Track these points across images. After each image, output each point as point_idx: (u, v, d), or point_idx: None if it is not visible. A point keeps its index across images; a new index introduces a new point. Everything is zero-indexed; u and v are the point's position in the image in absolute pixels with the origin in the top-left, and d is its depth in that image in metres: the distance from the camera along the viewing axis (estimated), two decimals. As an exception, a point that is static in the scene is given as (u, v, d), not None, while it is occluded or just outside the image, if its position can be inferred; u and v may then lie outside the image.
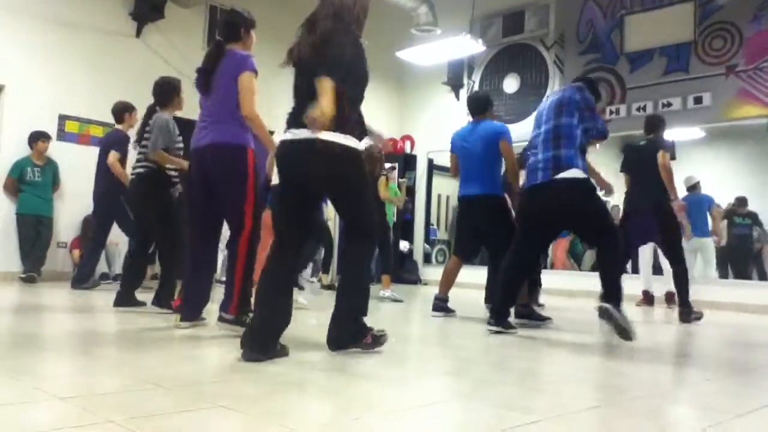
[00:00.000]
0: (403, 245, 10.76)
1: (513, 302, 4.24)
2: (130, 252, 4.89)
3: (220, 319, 3.39)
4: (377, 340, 2.91)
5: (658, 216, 5.45)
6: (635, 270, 7.75)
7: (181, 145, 4.54)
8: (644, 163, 5.54)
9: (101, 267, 7.04)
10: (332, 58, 2.76)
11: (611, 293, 3.76)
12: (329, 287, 7.66)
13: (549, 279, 7.52)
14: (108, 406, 1.81)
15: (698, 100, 8.45)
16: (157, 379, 2.20)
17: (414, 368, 2.77)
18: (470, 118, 5.26)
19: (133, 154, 5.01)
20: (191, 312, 3.60)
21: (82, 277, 6.28)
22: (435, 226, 12.05)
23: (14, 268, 7.04)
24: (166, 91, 4.55)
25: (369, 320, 2.98)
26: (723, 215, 9.34)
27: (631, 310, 4.32)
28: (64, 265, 7.54)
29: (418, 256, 11.33)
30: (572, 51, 9.76)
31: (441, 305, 5.12)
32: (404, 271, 10.64)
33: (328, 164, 2.78)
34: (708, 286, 7.82)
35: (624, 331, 3.65)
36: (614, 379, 2.80)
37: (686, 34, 8.66)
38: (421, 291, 8.96)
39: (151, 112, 4.61)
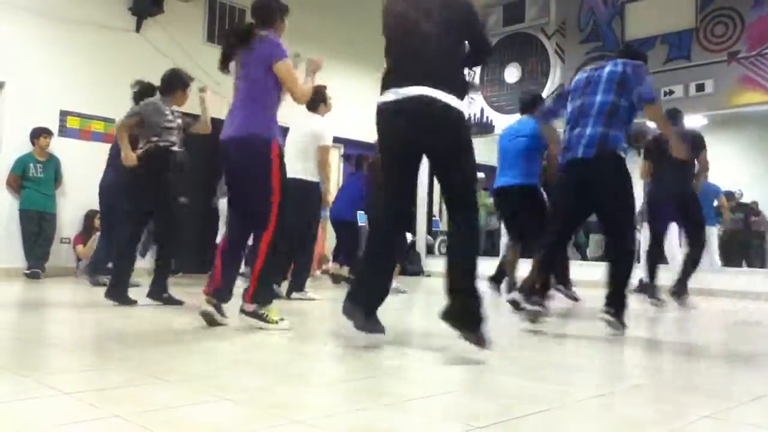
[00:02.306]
0: (407, 236, 10.77)
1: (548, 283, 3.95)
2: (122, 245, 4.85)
3: (241, 310, 3.35)
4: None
5: (681, 200, 5.50)
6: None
7: (172, 125, 4.53)
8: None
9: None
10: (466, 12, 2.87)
11: (616, 300, 3.64)
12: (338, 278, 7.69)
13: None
14: (113, 401, 1.81)
15: (700, 88, 8.40)
16: (163, 372, 2.21)
17: (417, 358, 2.78)
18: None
19: None
20: (220, 296, 3.44)
21: (96, 268, 6.24)
22: (437, 218, 12.03)
23: (18, 264, 7.06)
24: (169, 82, 4.62)
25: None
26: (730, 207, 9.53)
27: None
28: (67, 260, 7.55)
29: (421, 248, 11.32)
30: (573, 40, 9.71)
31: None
32: (407, 263, 10.66)
33: (441, 124, 2.71)
34: (713, 274, 7.82)
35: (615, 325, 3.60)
36: (618, 368, 2.80)
37: (688, 21, 8.61)
38: (423, 282, 8.97)
39: (145, 93, 4.68)
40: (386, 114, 2.82)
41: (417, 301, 5.85)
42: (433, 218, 11.75)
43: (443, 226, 12.14)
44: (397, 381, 2.31)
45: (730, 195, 9.56)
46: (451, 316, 2.68)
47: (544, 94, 9.78)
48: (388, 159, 2.91)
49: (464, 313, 2.66)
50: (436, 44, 2.78)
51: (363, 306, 2.81)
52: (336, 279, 7.57)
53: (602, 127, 3.65)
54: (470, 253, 2.76)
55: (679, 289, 5.53)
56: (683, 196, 5.53)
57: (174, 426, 1.57)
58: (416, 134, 2.75)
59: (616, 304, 3.63)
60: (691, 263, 5.59)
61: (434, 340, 3.46)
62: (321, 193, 5.38)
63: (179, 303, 4.46)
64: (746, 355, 3.27)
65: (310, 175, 5.19)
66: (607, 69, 3.82)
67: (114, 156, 6.21)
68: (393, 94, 2.77)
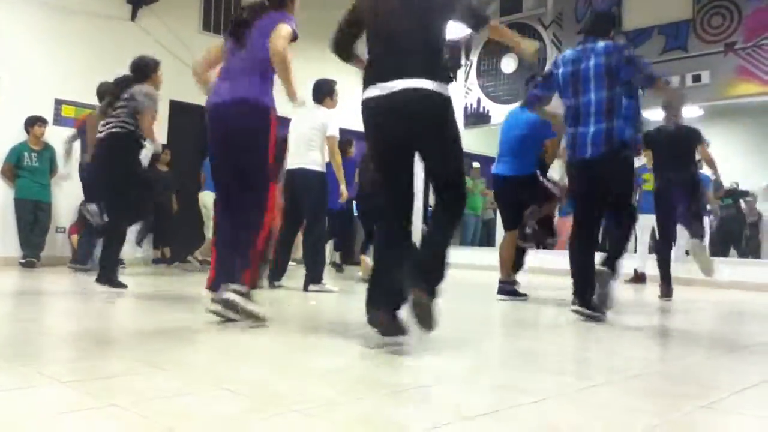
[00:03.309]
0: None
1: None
2: (104, 229, 4.88)
3: (234, 290, 3.12)
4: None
5: (686, 187, 5.56)
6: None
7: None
8: (676, 147, 5.67)
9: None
10: None
11: (612, 261, 3.81)
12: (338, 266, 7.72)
13: (552, 259, 7.56)
14: (111, 390, 1.82)
15: (697, 78, 8.41)
16: (161, 362, 2.21)
17: (414, 348, 2.78)
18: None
19: None
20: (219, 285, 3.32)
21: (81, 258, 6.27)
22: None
23: (13, 254, 7.05)
24: (141, 69, 4.70)
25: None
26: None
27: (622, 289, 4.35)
28: (63, 250, 7.54)
29: (417, 238, 11.34)
30: (570, 30, 9.69)
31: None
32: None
33: (433, 114, 2.66)
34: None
35: (603, 303, 3.73)
36: (614, 358, 2.81)
37: (685, 12, 8.61)
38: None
39: (124, 83, 4.67)
40: (373, 110, 2.73)
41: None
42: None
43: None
44: (394, 371, 2.32)
45: (716, 187, 9.57)
46: (410, 270, 2.62)
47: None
48: (382, 156, 2.85)
49: (424, 269, 2.63)
50: (418, 30, 2.71)
51: (385, 306, 2.68)
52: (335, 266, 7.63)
53: (604, 122, 3.72)
54: (448, 238, 2.77)
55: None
56: (691, 184, 5.58)
57: (172, 415, 1.58)
58: (407, 128, 2.68)
59: (612, 264, 3.82)
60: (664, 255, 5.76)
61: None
62: (327, 183, 5.34)
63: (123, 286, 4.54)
64: (741, 345, 3.29)
65: (316, 165, 5.19)
66: (592, 63, 3.81)
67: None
68: (378, 89, 2.69)
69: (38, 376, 1.96)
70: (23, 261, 6.86)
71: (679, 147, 5.61)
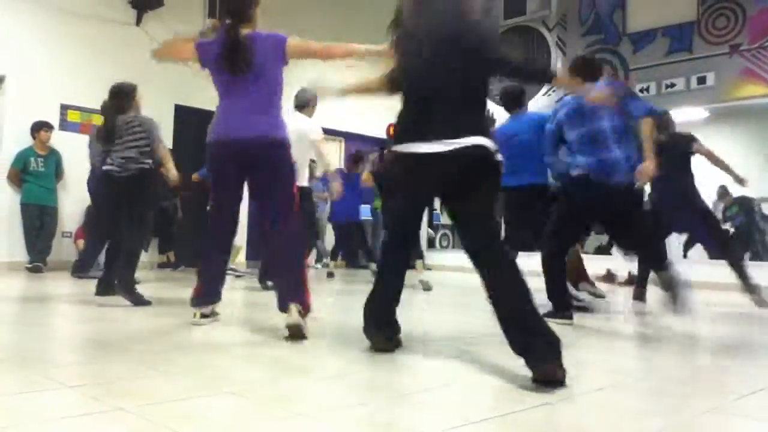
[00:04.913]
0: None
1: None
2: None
3: (300, 313, 3.06)
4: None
5: (687, 201, 5.44)
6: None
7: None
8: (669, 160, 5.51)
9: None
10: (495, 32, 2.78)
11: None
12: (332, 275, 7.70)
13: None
14: (117, 394, 1.82)
15: (702, 80, 8.39)
16: (165, 366, 2.22)
17: (419, 351, 2.78)
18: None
19: None
20: (207, 300, 3.40)
21: (83, 266, 6.26)
22: (438, 211, 12.04)
23: (20, 258, 7.07)
24: (125, 96, 4.62)
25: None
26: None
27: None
28: (69, 254, 7.55)
29: (422, 241, 11.34)
30: (574, 32, 9.69)
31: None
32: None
33: (487, 171, 2.61)
34: (714, 268, 7.81)
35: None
36: (619, 361, 2.81)
37: (689, 14, 8.59)
38: (424, 276, 8.96)
39: (110, 111, 4.64)
40: (418, 162, 2.61)
41: (416, 295, 5.85)
42: (434, 211, 11.75)
43: (444, 219, 12.16)
44: (397, 375, 2.32)
45: (721, 192, 9.57)
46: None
47: (545, 87, 9.76)
48: (407, 200, 2.86)
49: None
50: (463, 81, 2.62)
51: (378, 320, 2.77)
52: (331, 274, 7.63)
53: (626, 150, 3.85)
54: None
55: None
56: (688, 197, 5.45)
57: (177, 419, 1.58)
58: (455, 181, 2.61)
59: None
60: (736, 262, 5.52)
61: (434, 333, 3.46)
62: (311, 195, 5.51)
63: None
64: (746, 349, 3.28)
65: (301, 179, 5.21)
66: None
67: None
68: (425, 147, 2.56)
69: (44, 380, 1.97)
70: (29, 266, 6.88)
71: (672, 155, 5.30)
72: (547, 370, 2.11)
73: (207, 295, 3.39)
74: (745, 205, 9.70)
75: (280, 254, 3.33)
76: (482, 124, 2.62)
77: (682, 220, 5.58)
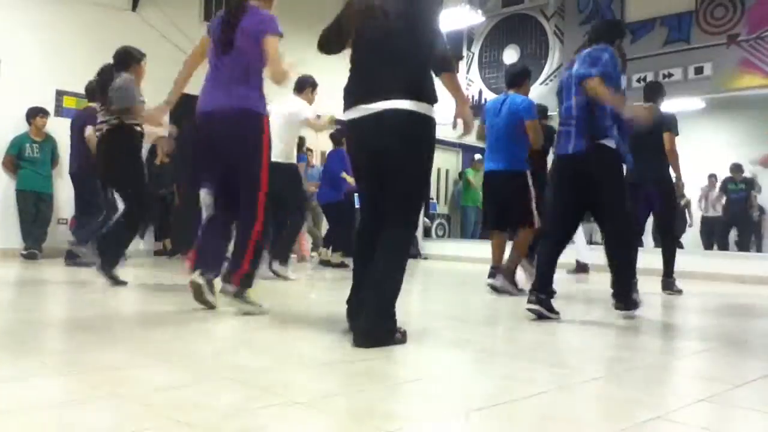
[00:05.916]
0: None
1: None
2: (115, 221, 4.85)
3: (223, 290, 3.24)
4: (404, 335, 2.61)
5: (660, 188, 5.38)
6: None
7: (145, 100, 4.61)
8: (647, 136, 5.34)
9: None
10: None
11: (623, 292, 3.65)
12: (326, 263, 7.70)
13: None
14: (113, 381, 1.82)
15: (699, 71, 8.39)
16: (161, 353, 2.22)
17: (417, 341, 2.79)
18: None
19: None
20: (207, 266, 3.34)
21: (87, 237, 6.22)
22: (435, 200, 12.04)
23: (15, 245, 7.05)
24: (123, 58, 4.70)
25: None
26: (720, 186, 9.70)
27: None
28: (64, 241, 7.53)
29: (418, 231, 11.35)
30: (572, 21, 9.66)
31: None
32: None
33: (410, 136, 2.61)
34: (707, 258, 7.85)
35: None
36: (615, 352, 2.82)
37: (687, 4, 8.57)
38: (421, 265, 8.99)
39: (106, 72, 4.66)
40: (349, 131, 2.76)
41: (414, 284, 5.86)
42: (431, 201, 11.76)
43: (440, 209, 12.17)
44: (395, 363, 2.32)
45: (735, 167, 9.81)
46: (372, 340, 2.51)
47: (543, 76, 9.76)
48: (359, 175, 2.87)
49: (379, 332, 2.53)
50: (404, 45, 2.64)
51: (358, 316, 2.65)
52: (325, 263, 7.62)
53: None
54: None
55: (669, 281, 5.45)
56: (663, 180, 5.39)
57: (174, 406, 1.58)
58: (376, 146, 2.63)
59: (623, 297, 3.68)
60: (670, 251, 5.46)
61: (432, 323, 3.47)
62: (299, 173, 5.58)
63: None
64: (741, 338, 3.30)
65: (285, 157, 5.21)
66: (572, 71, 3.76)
67: (76, 145, 6.35)
68: (359, 111, 2.63)
69: (40, 367, 1.97)
70: (25, 252, 6.86)
71: (646, 136, 5.07)
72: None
73: (199, 262, 3.33)
74: (751, 185, 9.90)
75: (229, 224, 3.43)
76: (406, 86, 2.58)
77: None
